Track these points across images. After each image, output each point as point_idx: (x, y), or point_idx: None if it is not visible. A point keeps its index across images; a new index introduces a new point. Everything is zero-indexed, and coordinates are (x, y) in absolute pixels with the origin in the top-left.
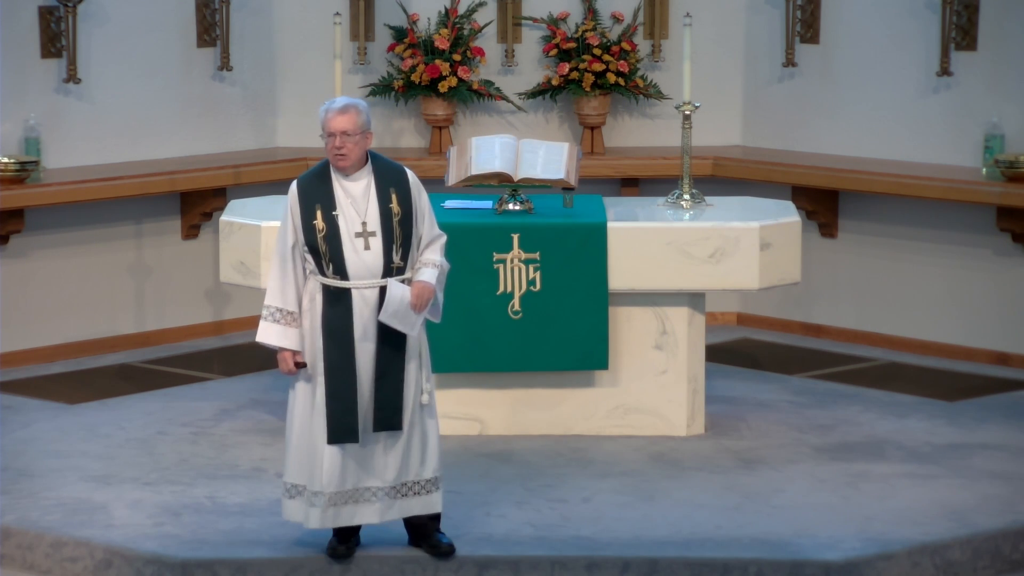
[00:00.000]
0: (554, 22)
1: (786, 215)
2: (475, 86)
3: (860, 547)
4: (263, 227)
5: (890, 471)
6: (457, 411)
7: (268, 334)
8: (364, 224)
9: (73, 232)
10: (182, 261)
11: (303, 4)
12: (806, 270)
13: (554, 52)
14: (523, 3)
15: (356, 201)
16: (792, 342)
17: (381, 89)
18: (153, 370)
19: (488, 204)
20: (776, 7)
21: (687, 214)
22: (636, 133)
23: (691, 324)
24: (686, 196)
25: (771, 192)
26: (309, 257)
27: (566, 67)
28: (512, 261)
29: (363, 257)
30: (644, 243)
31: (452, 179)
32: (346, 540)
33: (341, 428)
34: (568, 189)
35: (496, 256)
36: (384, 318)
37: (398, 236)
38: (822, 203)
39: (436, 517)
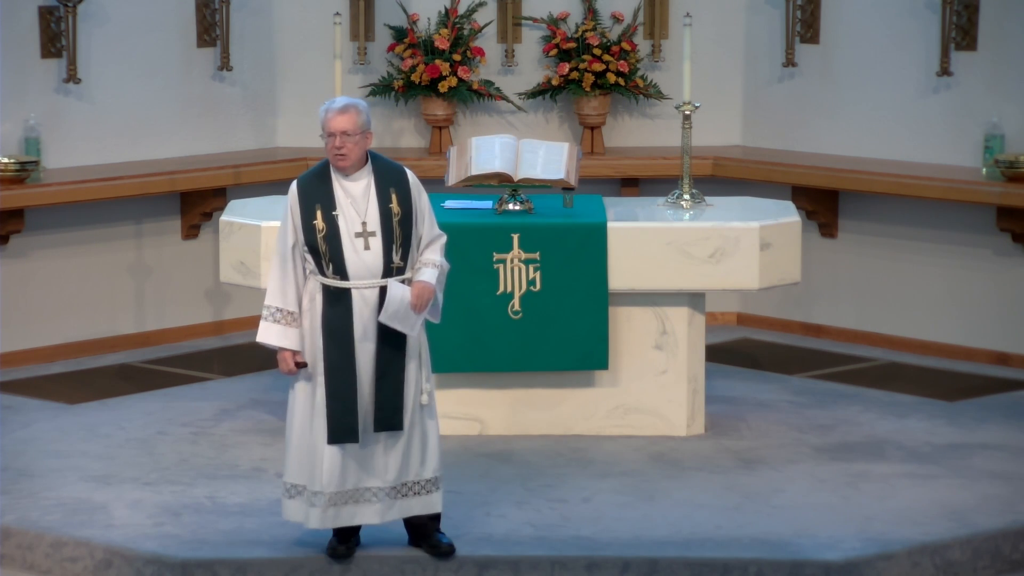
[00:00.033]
0: (554, 22)
1: (786, 215)
2: (475, 86)
3: (860, 547)
4: (263, 227)
5: (890, 471)
6: (457, 411)
7: (268, 334)
8: (364, 224)
9: (73, 232)
10: (182, 261)
11: (303, 4)
12: (806, 270)
13: (554, 52)
14: (523, 3)
15: (356, 201)
16: (792, 342)
17: (381, 89)
18: (153, 370)
19: (488, 204)
20: (776, 7)
21: (687, 214)
22: (636, 133)
23: (691, 324)
24: (686, 196)
25: (771, 192)
26: (309, 257)
27: (566, 67)
28: (512, 261)
29: (363, 257)
30: (644, 243)
31: (452, 179)
32: (346, 540)
33: (341, 428)
34: (568, 189)
35: (496, 256)
36: (384, 319)
37: (398, 236)
38: (822, 203)
39: (436, 517)
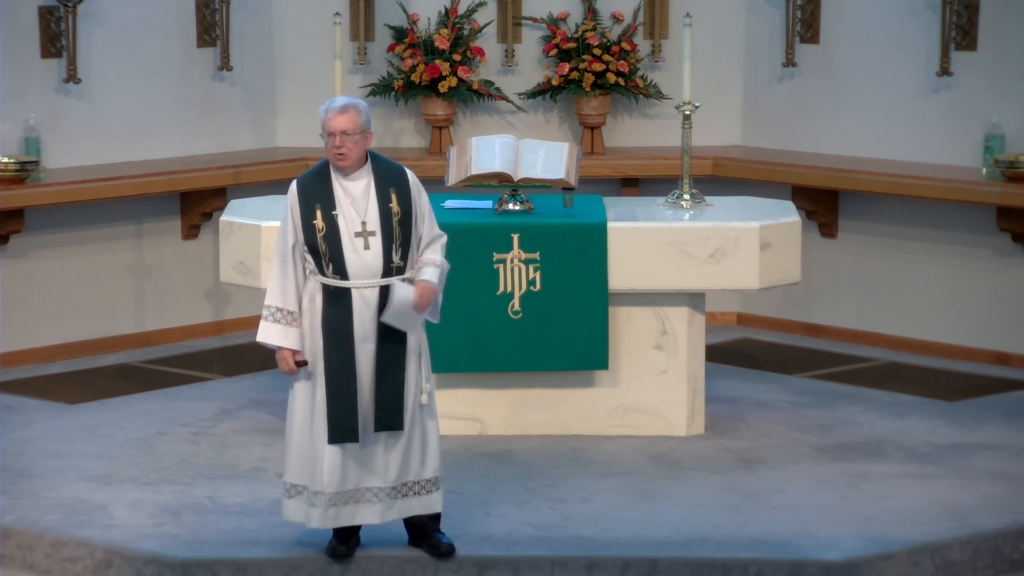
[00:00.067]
0: (554, 22)
1: (786, 215)
2: (475, 86)
3: (860, 547)
4: (263, 227)
5: (890, 471)
6: (457, 411)
7: (268, 334)
8: (364, 224)
9: (73, 232)
10: (182, 261)
11: (303, 4)
12: (806, 270)
13: (554, 52)
14: (523, 3)
15: (356, 201)
16: (792, 342)
17: (381, 89)
18: (153, 370)
19: (488, 204)
20: (776, 7)
21: (687, 214)
22: (636, 133)
23: (691, 324)
24: (686, 196)
25: (771, 192)
26: (309, 257)
27: (566, 67)
28: (512, 261)
29: (363, 257)
30: (644, 243)
31: (452, 179)
32: (346, 540)
33: (341, 428)
34: (568, 189)
35: (496, 256)
36: (387, 318)
37: (398, 236)
38: (822, 203)
39: (436, 517)
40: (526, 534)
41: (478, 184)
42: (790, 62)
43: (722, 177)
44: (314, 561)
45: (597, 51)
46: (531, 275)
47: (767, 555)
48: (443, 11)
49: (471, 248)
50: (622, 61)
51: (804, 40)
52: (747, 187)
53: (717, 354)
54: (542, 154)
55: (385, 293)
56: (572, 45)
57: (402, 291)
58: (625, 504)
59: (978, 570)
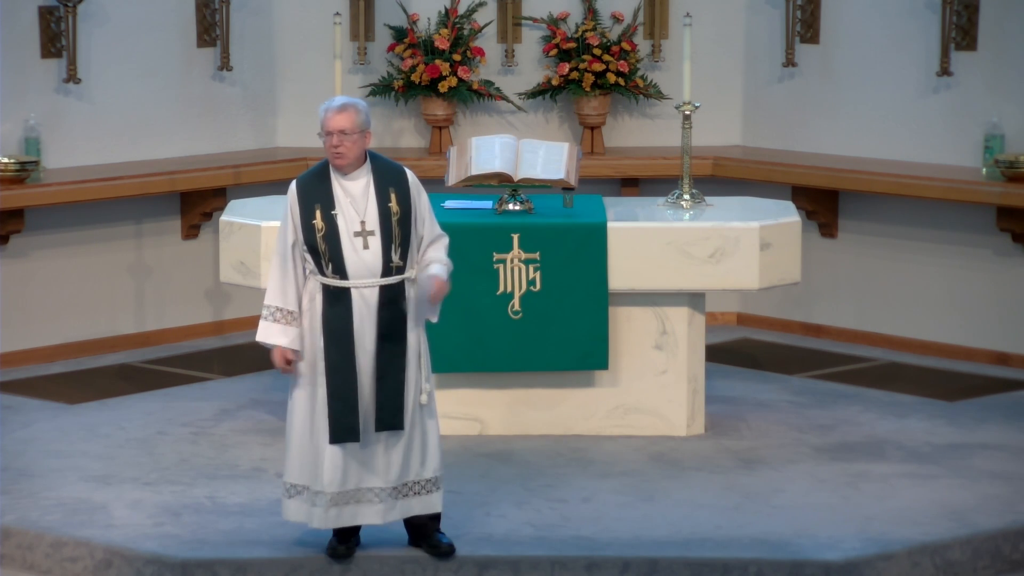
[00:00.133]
0: (554, 22)
1: (786, 215)
2: (475, 86)
3: (860, 547)
4: (263, 227)
5: (890, 471)
6: (457, 411)
7: (267, 333)
8: (363, 223)
9: (73, 232)
10: (182, 261)
11: (303, 4)
12: (806, 270)
13: (554, 52)
14: (523, 3)
15: (355, 200)
16: (792, 342)
17: (381, 89)
18: (153, 370)
19: (488, 204)
20: (776, 7)
21: (687, 214)
22: (636, 133)
23: (691, 324)
24: (686, 196)
25: (771, 192)
26: (308, 257)
27: (566, 67)
28: (512, 261)
29: (362, 256)
30: (644, 243)
31: (452, 179)
32: (346, 540)
33: (342, 428)
34: (568, 189)
35: (496, 256)
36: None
37: (397, 235)
38: (822, 203)
39: (436, 517)
40: (526, 534)
41: (478, 184)
42: (790, 62)
43: (722, 177)
44: (314, 561)
45: (597, 51)
46: (531, 275)
47: (767, 555)
48: (443, 11)
49: (471, 248)
50: (622, 61)
51: (804, 40)
52: (747, 187)
53: (717, 354)
54: (542, 154)
55: (385, 293)
56: (572, 45)
57: (426, 283)
58: (625, 504)
59: (978, 570)
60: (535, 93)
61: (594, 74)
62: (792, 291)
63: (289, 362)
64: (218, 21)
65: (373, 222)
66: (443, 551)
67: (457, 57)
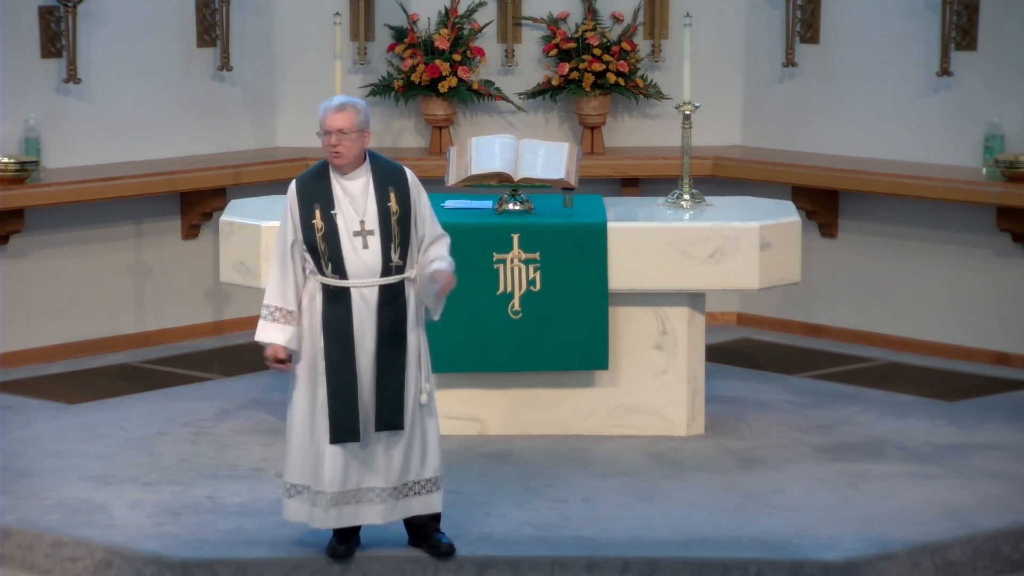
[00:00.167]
0: (554, 22)
1: (786, 215)
2: (475, 86)
3: (860, 547)
4: (263, 227)
5: (890, 471)
6: (457, 411)
7: (266, 333)
8: (362, 223)
9: (73, 232)
10: (182, 261)
11: (303, 4)
12: (806, 270)
13: (554, 52)
14: (523, 3)
15: (355, 200)
16: (792, 342)
17: (381, 89)
18: (153, 370)
19: (488, 204)
20: (776, 7)
21: (687, 214)
22: (636, 133)
23: (691, 324)
24: (686, 196)
25: (771, 192)
26: (308, 256)
27: (566, 67)
28: (512, 261)
29: (362, 256)
30: (644, 243)
31: (452, 179)
32: (346, 540)
33: (343, 427)
34: (568, 189)
35: (496, 256)
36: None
37: (396, 235)
38: (822, 203)
39: (436, 517)
40: (526, 534)
41: (478, 184)
42: (790, 62)
43: (722, 177)
44: (314, 561)
45: (597, 51)
46: (531, 275)
47: (767, 555)
48: (443, 11)
49: (471, 248)
50: (622, 61)
51: (804, 40)
52: (747, 187)
53: (717, 354)
54: (542, 154)
55: (385, 293)
56: (572, 45)
57: (430, 279)
58: (625, 504)
59: (978, 570)
60: (535, 93)
61: (594, 74)
62: (792, 291)
63: (281, 361)
64: (218, 21)
65: (372, 222)
66: (443, 551)
67: (457, 57)
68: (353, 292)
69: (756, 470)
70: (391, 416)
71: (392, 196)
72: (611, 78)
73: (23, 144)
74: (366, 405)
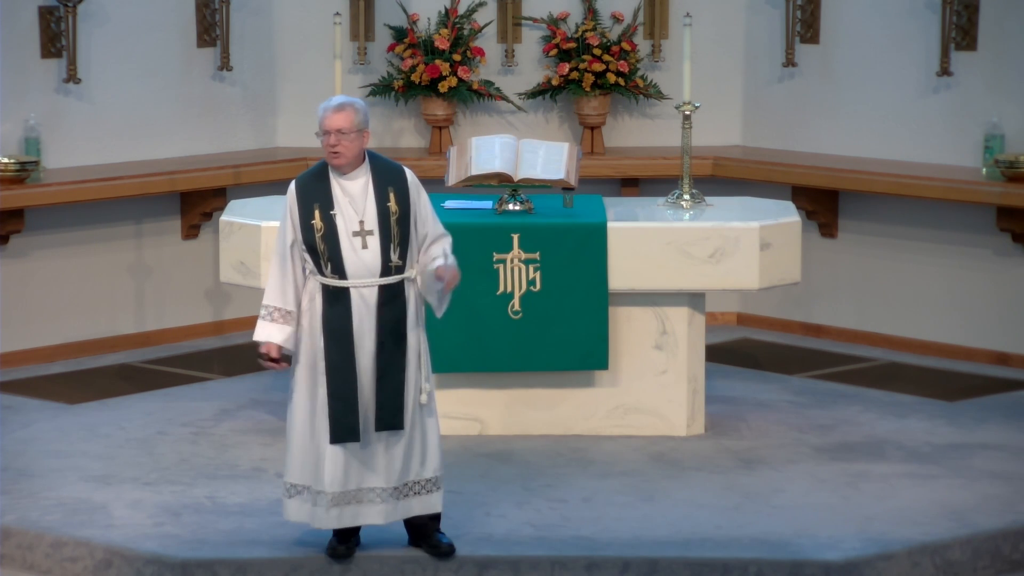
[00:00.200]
0: (554, 22)
1: (786, 215)
2: (475, 86)
3: (860, 547)
4: (263, 227)
5: (890, 471)
6: (457, 411)
7: (264, 332)
8: (362, 223)
9: (73, 232)
10: (182, 261)
11: (303, 4)
12: (806, 270)
13: (554, 52)
14: (523, 3)
15: (354, 200)
16: (792, 342)
17: (381, 89)
18: (153, 370)
19: (488, 204)
20: (776, 7)
21: (687, 214)
22: (636, 133)
23: (691, 324)
24: (686, 196)
25: (771, 192)
26: (308, 257)
27: (566, 67)
28: (512, 261)
29: (361, 256)
30: (644, 243)
31: (452, 179)
32: (346, 540)
33: (342, 428)
34: (568, 189)
35: (496, 256)
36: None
37: (396, 235)
38: (822, 203)
39: (436, 517)
40: (526, 534)
41: (478, 184)
42: (790, 62)
43: (722, 177)
44: (314, 561)
45: (597, 51)
46: (531, 275)
47: (767, 555)
48: (443, 11)
49: (471, 248)
50: (622, 61)
51: (804, 40)
52: (747, 187)
53: (717, 354)
54: (542, 154)
55: (384, 293)
56: (572, 45)
57: (433, 275)
58: (625, 504)
59: (978, 570)
60: (535, 93)
61: (594, 74)
62: (792, 291)
63: (274, 360)
64: (218, 21)
65: (372, 222)
66: (443, 551)
67: (457, 57)
68: (353, 292)
69: (756, 470)
70: (391, 416)
71: (391, 196)
72: (611, 78)
73: (23, 144)
74: (366, 405)
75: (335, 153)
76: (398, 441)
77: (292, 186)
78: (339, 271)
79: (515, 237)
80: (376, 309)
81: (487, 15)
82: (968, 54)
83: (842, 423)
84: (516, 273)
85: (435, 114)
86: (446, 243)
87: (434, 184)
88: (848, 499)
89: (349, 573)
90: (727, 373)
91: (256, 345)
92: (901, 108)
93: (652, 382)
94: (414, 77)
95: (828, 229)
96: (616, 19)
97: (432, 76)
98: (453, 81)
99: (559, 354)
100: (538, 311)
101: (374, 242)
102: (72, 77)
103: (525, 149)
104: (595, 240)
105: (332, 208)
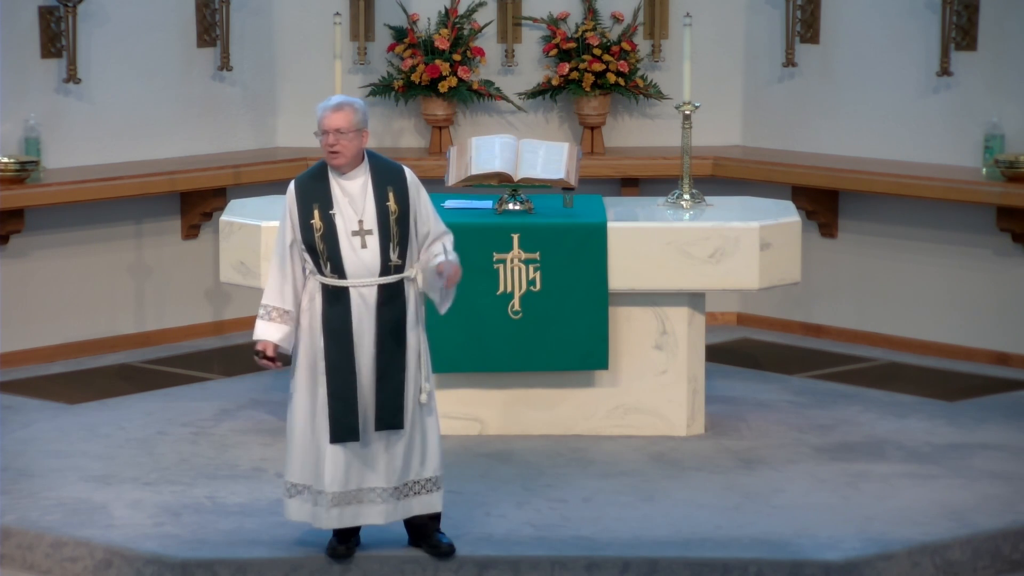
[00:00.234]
0: (554, 22)
1: (786, 215)
2: (475, 86)
3: (860, 547)
4: (263, 227)
5: (890, 471)
6: (457, 411)
7: (262, 331)
8: (360, 223)
9: (73, 232)
10: (182, 261)
11: (303, 4)
12: (806, 270)
13: (554, 52)
14: (523, 3)
15: (353, 200)
16: (792, 342)
17: (381, 89)
18: (153, 370)
19: (488, 204)
20: (776, 7)
21: (687, 214)
22: (636, 133)
23: (691, 324)
24: (686, 196)
25: (771, 192)
26: (307, 256)
27: (566, 67)
28: (512, 261)
29: (361, 256)
30: (644, 243)
31: (452, 179)
32: (346, 540)
33: (342, 427)
34: (568, 189)
35: (496, 256)
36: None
37: (395, 234)
38: (822, 203)
39: (436, 517)
40: (526, 534)
41: (478, 184)
42: (790, 62)
43: (722, 177)
44: (314, 561)
45: (597, 51)
46: (531, 275)
47: (767, 555)
48: (443, 11)
49: (471, 248)
50: (622, 61)
51: (804, 40)
52: (747, 187)
53: (717, 354)
54: (542, 154)
55: (384, 292)
56: (572, 45)
57: (434, 271)
58: (625, 504)
59: (978, 570)
60: (535, 93)
61: (594, 74)
62: (792, 291)
63: (269, 358)
64: (218, 21)
65: (371, 221)
66: (443, 551)
67: (457, 57)
68: (352, 292)
69: (756, 470)
70: (391, 416)
71: (390, 195)
72: (611, 78)
73: (23, 144)
74: (366, 405)
75: (334, 153)
76: (398, 441)
77: (291, 186)
78: (338, 271)
79: (515, 237)
80: (376, 309)
81: (487, 15)
82: (968, 54)
83: (842, 423)
84: (516, 273)
85: (435, 114)
86: (447, 240)
87: (434, 184)
88: (848, 499)
89: (349, 573)
90: (727, 373)
91: (255, 344)
92: (901, 108)
93: (652, 382)
94: (414, 77)
95: (828, 229)
96: (616, 19)
97: (432, 76)
98: (453, 81)
99: (559, 354)
100: (538, 311)
101: (373, 242)
102: (72, 77)
103: (525, 149)
104: (595, 240)
105: (331, 208)
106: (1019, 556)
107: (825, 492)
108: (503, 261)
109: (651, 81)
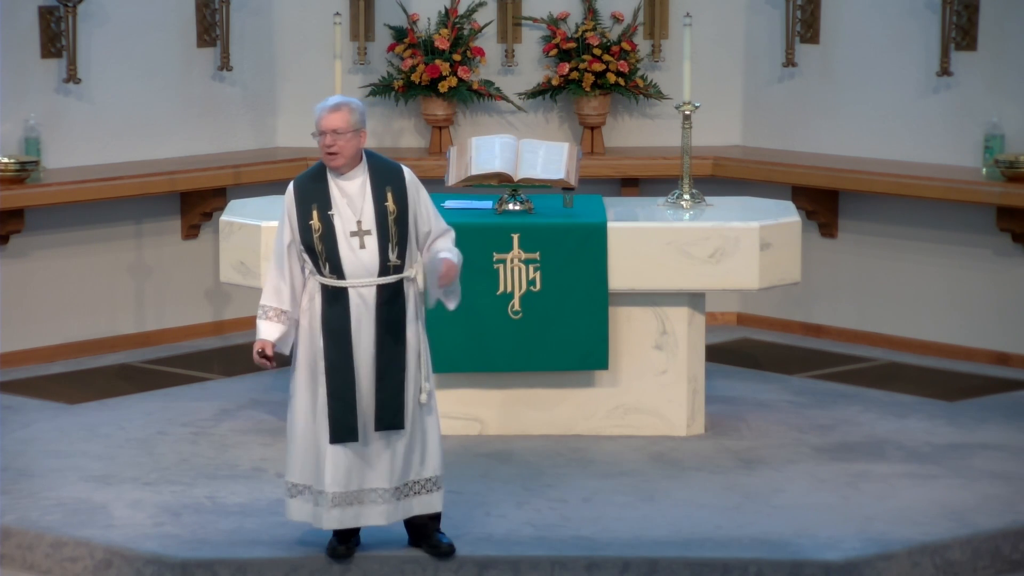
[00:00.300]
0: (554, 22)
1: (786, 215)
2: (475, 86)
3: (860, 547)
4: (263, 227)
5: (890, 471)
6: (457, 411)
7: (259, 330)
8: (359, 223)
9: (73, 232)
10: (182, 261)
11: (303, 4)
12: (806, 270)
13: (554, 52)
14: (523, 3)
15: (352, 200)
16: (792, 342)
17: (381, 89)
18: (153, 370)
19: (488, 204)
20: (776, 7)
21: (687, 214)
22: (636, 133)
23: (691, 324)
24: (686, 196)
25: (771, 192)
26: (306, 257)
27: (566, 67)
28: (512, 261)
29: (359, 256)
30: (644, 243)
31: (452, 179)
32: (346, 540)
33: (342, 427)
34: (568, 189)
35: (496, 256)
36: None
37: (394, 234)
38: (822, 203)
39: (436, 517)
40: (526, 534)
41: (478, 184)
42: (790, 62)
43: (722, 177)
44: (314, 561)
45: (597, 51)
46: (531, 275)
47: (767, 555)
48: (443, 11)
49: (471, 248)
50: (622, 61)
51: (804, 40)
52: (747, 187)
53: (717, 354)
54: (542, 154)
55: (383, 292)
56: (572, 45)
57: (434, 265)
58: (625, 504)
59: (978, 570)
60: (535, 93)
61: (594, 74)
62: (792, 291)
63: (267, 357)
64: (218, 21)
65: (369, 221)
66: (443, 551)
67: (457, 57)
68: (351, 292)
69: (756, 470)
70: (391, 416)
71: (389, 195)
72: (611, 78)
73: (23, 144)
74: (366, 405)
75: (331, 154)
76: (398, 441)
77: (290, 187)
78: (337, 271)
79: (515, 237)
80: (375, 309)
81: (487, 15)
82: (968, 54)
83: (842, 423)
84: (516, 273)
85: (435, 114)
86: (449, 238)
87: (434, 184)
88: (848, 499)
89: (349, 573)
90: (727, 373)
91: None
92: (901, 108)
93: (652, 382)
94: (414, 77)
95: (828, 229)
96: (616, 19)
97: (432, 76)
98: (453, 81)
99: (559, 354)
100: (538, 311)
101: (372, 242)
102: (72, 77)
103: (525, 149)
104: (595, 240)
105: (330, 208)
106: (1019, 556)
107: (825, 492)
108: (503, 261)
109: (651, 81)
